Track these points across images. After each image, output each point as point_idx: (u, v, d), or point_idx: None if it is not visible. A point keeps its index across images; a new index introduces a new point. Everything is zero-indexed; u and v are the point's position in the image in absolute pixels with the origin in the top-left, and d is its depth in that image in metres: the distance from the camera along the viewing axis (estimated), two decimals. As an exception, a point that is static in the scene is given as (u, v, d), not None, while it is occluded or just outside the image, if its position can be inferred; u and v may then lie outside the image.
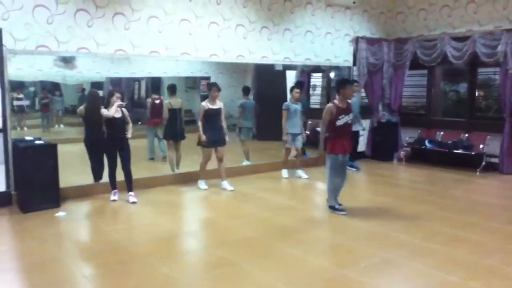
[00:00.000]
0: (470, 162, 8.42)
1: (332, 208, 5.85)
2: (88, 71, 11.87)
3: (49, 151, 5.95)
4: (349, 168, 7.81)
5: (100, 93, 13.51)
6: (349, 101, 5.72)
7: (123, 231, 5.24)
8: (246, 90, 9.08)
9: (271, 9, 8.20)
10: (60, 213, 5.72)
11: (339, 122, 5.56)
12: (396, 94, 9.80)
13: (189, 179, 7.43)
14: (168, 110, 7.95)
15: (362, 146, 9.57)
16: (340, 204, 5.86)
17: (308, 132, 11.47)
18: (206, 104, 6.79)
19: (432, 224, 5.38)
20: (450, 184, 7.60)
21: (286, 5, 8.41)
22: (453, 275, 3.94)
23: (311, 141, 11.13)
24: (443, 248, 4.59)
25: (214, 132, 6.85)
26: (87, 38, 6.44)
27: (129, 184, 6.36)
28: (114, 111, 6.11)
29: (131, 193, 6.33)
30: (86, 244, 4.92)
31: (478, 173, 8.17)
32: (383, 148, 9.60)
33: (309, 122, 11.60)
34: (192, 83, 15.69)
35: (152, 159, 9.24)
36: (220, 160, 7.04)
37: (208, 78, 13.65)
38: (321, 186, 7.15)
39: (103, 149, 6.37)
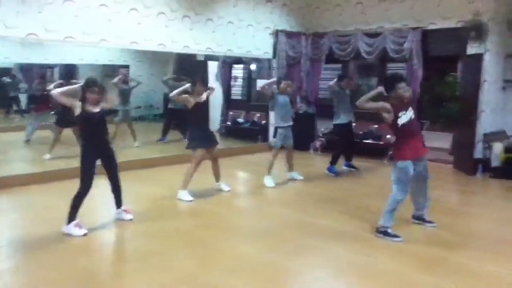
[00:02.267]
0: (379, 152, 9.03)
1: (384, 233, 4.66)
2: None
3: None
4: (349, 168, 7.95)
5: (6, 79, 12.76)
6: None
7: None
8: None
9: (193, -1, 8.19)
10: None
11: (401, 121, 4.54)
12: (313, 86, 10.21)
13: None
14: None
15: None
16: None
17: (229, 123, 11.70)
18: (192, 99, 6.01)
19: (348, 208, 5.75)
20: (361, 171, 8.10)
21: (208, -5, 8.44)
22: (362, 255, 4.29)
23: (232, 132, 11.37)
24: (358, 230, 4.95)
25: (203, 129, 6.17)
26: (-5, 20, 6.03)
27: (120, 197, 5.09)
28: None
29: (124, 207, 5.14)
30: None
31: (385, 162, 8.78)
32: (301, 138, 9.96)
33: (230, 113, 11.79)
34: (110, 71, 15.17)
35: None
36: (214, 160, 6.33)
37: (127, 66, 13.28)
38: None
39: (84, 160, 4.66)
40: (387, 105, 4.54)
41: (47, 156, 7.98)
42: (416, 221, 5.08)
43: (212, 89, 6.50)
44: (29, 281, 3.72)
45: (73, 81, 8.41)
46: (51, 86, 8.09)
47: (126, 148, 9.06)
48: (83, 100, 4.58)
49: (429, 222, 5.04)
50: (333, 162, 7.67)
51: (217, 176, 6.42)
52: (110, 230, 4.95)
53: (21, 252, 4.28)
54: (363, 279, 3.82)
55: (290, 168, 7.24)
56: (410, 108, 4.57)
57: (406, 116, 4.52)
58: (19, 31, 6.24)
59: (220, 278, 3.76)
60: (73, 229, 4.52)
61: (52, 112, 8.90)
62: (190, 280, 3.72)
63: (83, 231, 4.54)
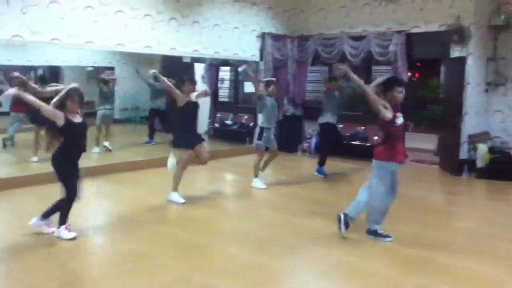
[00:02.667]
0: (366, 153, 9.09)
1: (373, 233, 4.70)
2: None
3: None
4: (318, 174, 7.64)
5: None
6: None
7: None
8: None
9: (179, 1, 8.16)
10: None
11: (399, 121, 4.52)
12: (300, 89, 10.27)
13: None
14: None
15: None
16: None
17: (217, 125, 11.69)
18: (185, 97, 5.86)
19: (335, 210, 5.79)
20: (348, 172, 8.18)
21: (195, -2, 8.44)
22: (352, 256, 4.33)
23: (220, 134, 11.36)
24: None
25: (190, 130, 6.01)
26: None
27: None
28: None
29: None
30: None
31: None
32: (288, 140, 10.02)
33: (218, 115, 11.79)
34: (94, 73, 15.04)
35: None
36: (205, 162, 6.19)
37: (112, 68, 13.21)
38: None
39: (65, 171, 4.51)
40: (387, 103, 4.50)
41: (35, 158, 7.84)
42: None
43: (208, 93, 6.45)
44: (19, 285, 3.67)
45: (52, 84, 8.42)
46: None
47: (116, 150, 9.02)
48: (62, 108, 4.40)
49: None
50: (321, 163, 7.71)
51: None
52: (98, 233, 4.92)
53: (9, 256, 4.23)
54: (352, 280, 3.86)
55: (262, 169, 7.02)
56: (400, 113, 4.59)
57: (400, 119, 4.54)
58: (3, 32, 6.16)
59: (213, 280, 3.76)
60: (63, 232, 4.48)
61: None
62: (181, 282, 3.72)
63: (73, 234, 4.50)
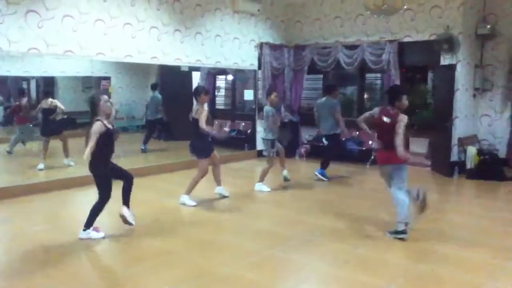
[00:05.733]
0: (361, 157, 9.54)
1: (402, 232, 4.92)
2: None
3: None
4: (319, 175, 7.98)
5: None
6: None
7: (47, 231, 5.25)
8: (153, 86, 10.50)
9: (183, 13, 8.52)
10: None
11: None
12: (296, 96, 10.68)
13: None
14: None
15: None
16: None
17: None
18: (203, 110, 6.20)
19: (341, 208, 6.19)
20: (345, 174, 8.56)
21: (197, 10, 8.79)
22: (360, 248, 4.71)
23: (217, 140, 11.67)
24: (350, 229, 5.38)
25: (208, 137, 6.37)
26: (-2, 35, 6.23)
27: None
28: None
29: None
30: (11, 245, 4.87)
31: (368, 165, 9.29)
32: (286, 145, 10.39)
33: (216, 122, 12.10)
34: (90, 83, 15.24)
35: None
36: (217, 165, 6.63)
37: (108, 78, 13.44)
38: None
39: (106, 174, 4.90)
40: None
41: (41, 166, 8.13)
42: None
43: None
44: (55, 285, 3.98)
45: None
46: None
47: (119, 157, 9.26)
48: (99, 115, 4.78)
49: None
50: (326, 166, 8.06)
51: (218, 181, 6.72)
52: (123, 233, 5.22)
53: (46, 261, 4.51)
54: (364, 268, 4.24)
55: (283, 168, 7.49)
56: None
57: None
58: (21, 45, 6.46)
59: (238, 271, 4.11)
60: (92, 233, 4.78)
61: (31, 125, 9.06)
62: (208, 274, 4.07)
63: (102, 234, 4.81)
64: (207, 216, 5.91)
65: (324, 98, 8.14)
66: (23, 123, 9.41)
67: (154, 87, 11.20)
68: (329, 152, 8.34)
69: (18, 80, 14.51)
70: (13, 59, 10.96)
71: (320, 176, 8.00)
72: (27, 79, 14.85)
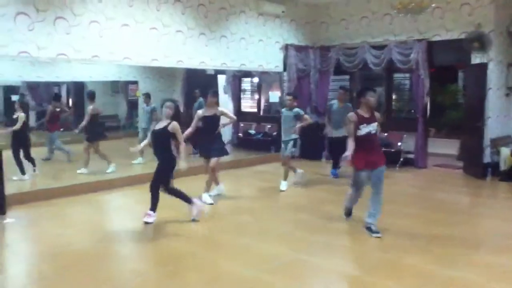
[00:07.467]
0: (389, 158, 9.32)
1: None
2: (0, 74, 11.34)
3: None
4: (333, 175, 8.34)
5: (14, 98, 12.95)
6: (377, 113, 5.26)
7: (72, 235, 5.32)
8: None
9: (207, 16, 8.55)
10: (8, 220, 5.64)
11: (360, 132, 5.01)
12: (322, 97, 10.56)
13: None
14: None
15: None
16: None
17: (240, 134, 12.02)
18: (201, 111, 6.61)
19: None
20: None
21: (221, 13, 8.80)
22: (388, 253, 4.59)
23: (244, 143, 11.68)
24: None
25: (205, 139, 6.57)
26: (28, 42, 6.36)
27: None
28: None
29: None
30: (36, 249, 4.95)
31: (397, 168, 9.10)
32: (312, 148, 10.30)
33: (241, 124, 12.11)
34: (118, 87, 15.49)
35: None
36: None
37: (136, 82, 13.62)
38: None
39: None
40: (352, 119, 5.07)
41: (84, 170, 8.14)
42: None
43: (233, 121, 7.17)
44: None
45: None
46: None
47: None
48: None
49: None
50: (339, 166, 8.31)
51: (209, 186, 6.65)
52: (144, 234, 5.25)
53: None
54: (391, 273, 4.11)
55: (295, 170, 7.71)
56: (375, 125, 5.14)
57: (365, 130, 5.07)
58: (49, 51, 6.59)
59: (263, 275, 4.06)
60: (146, 217, 5.47)
61: (77, 131, 8.71)
62: (232, 276, 4.06)
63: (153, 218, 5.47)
64: (228, 220, 5.88)
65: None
66: (57, 129, 9.53)
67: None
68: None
69: (50, 85, 14.97)
70: (42, 64, 11.26)
71: (333, 176, 8.29)
72: (58, 85, 15.27)
